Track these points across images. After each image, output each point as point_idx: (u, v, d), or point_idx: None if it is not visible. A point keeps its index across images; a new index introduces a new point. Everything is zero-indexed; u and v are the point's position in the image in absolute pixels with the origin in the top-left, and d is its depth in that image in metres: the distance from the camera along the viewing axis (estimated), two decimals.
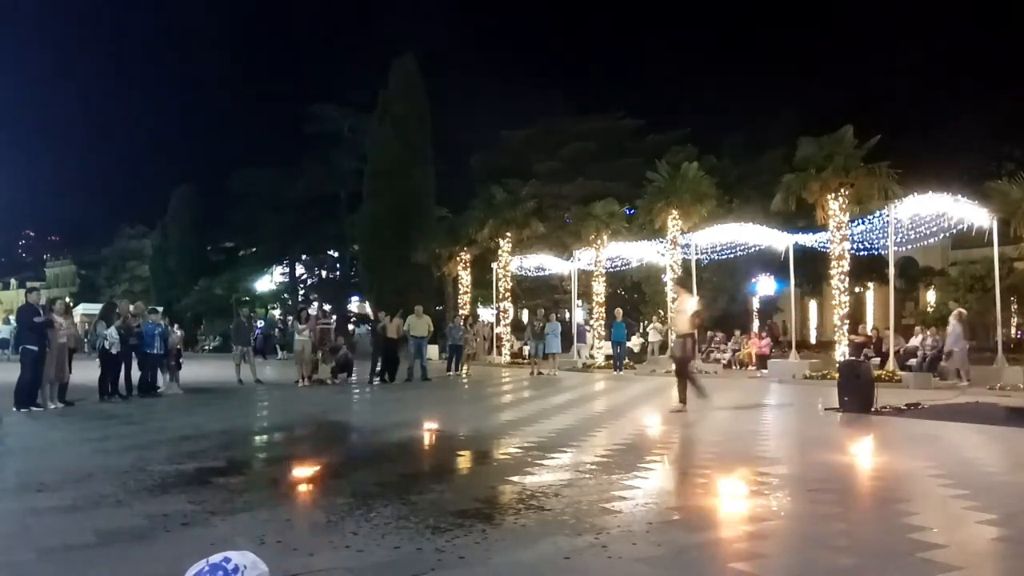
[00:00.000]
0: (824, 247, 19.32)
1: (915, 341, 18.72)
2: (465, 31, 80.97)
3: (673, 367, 17.25)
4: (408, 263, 33.00)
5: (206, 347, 42.14)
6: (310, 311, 37.69)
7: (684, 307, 12.33)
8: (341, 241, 47.76)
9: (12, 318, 28.27)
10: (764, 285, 29.72)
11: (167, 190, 54.18)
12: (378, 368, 18.26)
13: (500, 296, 28.25)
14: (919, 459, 7.27)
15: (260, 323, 30.70)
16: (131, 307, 15.42)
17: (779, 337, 25.39)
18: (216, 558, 1.64)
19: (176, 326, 17.90)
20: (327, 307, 49.42)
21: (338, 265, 52.25)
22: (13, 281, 79.58)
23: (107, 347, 13.40)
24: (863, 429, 9.64)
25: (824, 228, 18.77)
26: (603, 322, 25.30)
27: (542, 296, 33.99)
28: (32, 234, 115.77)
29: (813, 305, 37.25)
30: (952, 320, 19.72)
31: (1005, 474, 6.72)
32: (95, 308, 36.30)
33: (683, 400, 11.30)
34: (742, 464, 6.78)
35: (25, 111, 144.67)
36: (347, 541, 4.47)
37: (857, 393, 11.38)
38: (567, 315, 29.66)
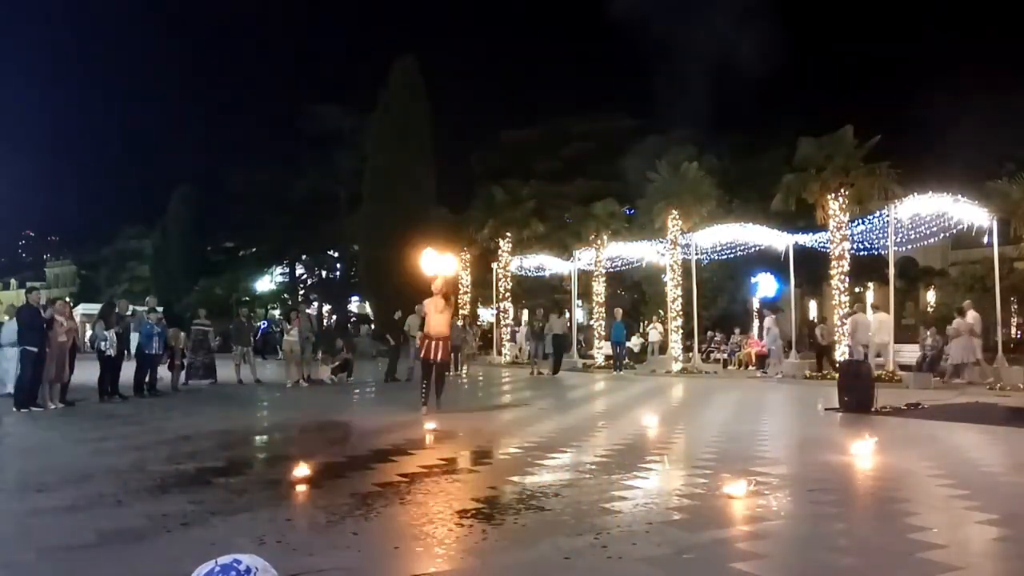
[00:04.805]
0: (824, 247, 19.32)
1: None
2: (466, 31, 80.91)
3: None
4: (408, 263, 32.95)
5: None
6: (309, 311, 37.59)
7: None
8: (341, 241, 47.71)
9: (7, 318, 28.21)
10: (764, 285, 29.72)
11: (167, 190, 54.26)
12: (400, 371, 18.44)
13: (500, 296, 28.23)
14: (919, 459, 7.27)
15: (264, 323, 30.62)
16: (142, 307, 15.46)
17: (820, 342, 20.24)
18: (226, 559, 1.62)
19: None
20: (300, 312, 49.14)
21: (338, 265, 52.19)
22: (13, 281, 79.48)
23: (103, 349, 13.40)
24: (863, 429, 9.62)
25: (824, 228, 18.78)
26: (603, 322, 25.30)
27: (542, 296, 33.99)
28: (32, 234, 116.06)
29: (813, 305, 37.22)
30: (768, 321, 19.62)
31: (1005, 474, 6.72)
32: (95, 308, 36.30)
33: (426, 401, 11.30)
34: (742, 464, 6.78)
35: (25, 111, 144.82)
36: (347, 541, 4.47)
37: (857, 393, 11.39)
38: (567, 315, 29.65)
